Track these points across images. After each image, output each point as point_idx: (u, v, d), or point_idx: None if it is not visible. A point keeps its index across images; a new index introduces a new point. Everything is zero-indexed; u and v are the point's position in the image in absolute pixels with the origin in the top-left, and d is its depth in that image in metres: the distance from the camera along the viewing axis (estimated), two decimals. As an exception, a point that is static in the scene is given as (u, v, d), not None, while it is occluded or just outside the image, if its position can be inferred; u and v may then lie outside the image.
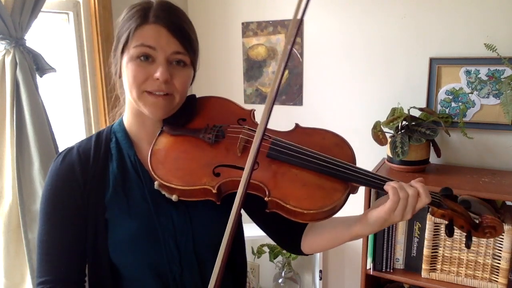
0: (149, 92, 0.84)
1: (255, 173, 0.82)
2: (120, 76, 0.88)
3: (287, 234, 0.99)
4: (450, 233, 0.83)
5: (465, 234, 0.84)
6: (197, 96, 0.99)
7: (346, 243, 0.94)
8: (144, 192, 0.88)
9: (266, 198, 0.80)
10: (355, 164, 0.86)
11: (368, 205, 1.63)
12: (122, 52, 0.84)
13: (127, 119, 0.94)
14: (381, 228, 0.84)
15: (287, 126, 2.29)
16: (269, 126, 0.84)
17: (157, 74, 0.81)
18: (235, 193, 0.74)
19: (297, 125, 0.96)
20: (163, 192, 0.84)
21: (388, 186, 0.80)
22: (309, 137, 0.92)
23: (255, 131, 0.86)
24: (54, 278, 0.84)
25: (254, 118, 0.95)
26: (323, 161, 0.83)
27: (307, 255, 1.02)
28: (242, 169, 0.79)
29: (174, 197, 0.82)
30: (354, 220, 0.88)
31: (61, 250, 0.85)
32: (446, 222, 0.83)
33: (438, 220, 1.54)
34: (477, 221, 0.84)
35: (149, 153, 0.86)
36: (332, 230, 0.93)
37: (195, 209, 0.90)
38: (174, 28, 0.82)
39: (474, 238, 1.49)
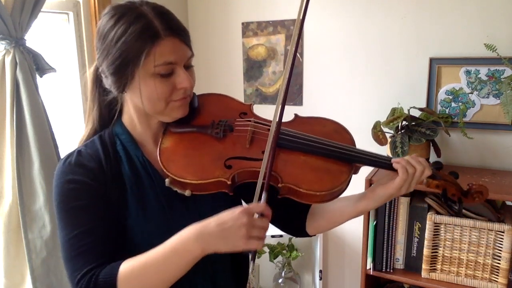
0: (175, 100, 0.85)
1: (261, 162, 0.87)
2: (124, 91, 0.86)
3: (292, 219, 1.04)
4: (445, 200, 0.95)
5: (456, 201, 0.96)
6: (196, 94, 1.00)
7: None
8: (157, 192, 0.89)
9: (279, 185, 0.85)
10: (355, 146, 0.94)
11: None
12: (134, 70, 0.81)
13: (130, 121, 0.92)
14: (385, 202, 0.94)
15: (287, 126, 2.25)
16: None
17: (184, 84, 0.83)
18: (246, 184, 0.87)
19: (296, 115, 1.01)
20: (175, 189, 0.85)
21: (397, 164, 0.89)
22: (310, 126, 0.98)
23: (261, 123, 0.94)
24: (95, 264, 0.80)
25: (253, 111, 0.99)
26: (329, 145, 0.90)
27: (311, 236, 1.07)
28: (252, 159, 0.87)
29: (187, 192, 0.84)
30: (358, 197, 0.96)
31: (96, 237, 0.82)
32: (439, 192, 0.95)
33: (438, 220, 1.54)
34: (466, 189, 0.96)
35: (158, 152, 0.87)
36: (336, 209, 0.99)
37: (205, 206, 0.91)
38: (182, 34, 0.83)
39: (474, 237, 1.50)
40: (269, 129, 0.89)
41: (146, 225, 0.86)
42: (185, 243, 0.76)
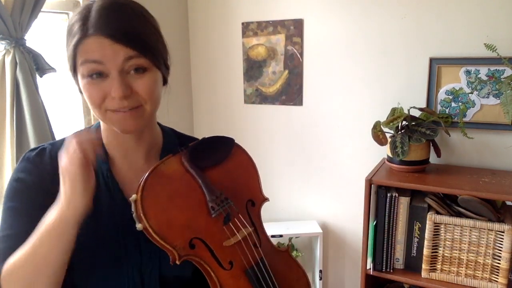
0: (112, 110, 0.75)
1: (224, 272, 0.80)
2: (80, 91, 0.79)
3: None
4: None
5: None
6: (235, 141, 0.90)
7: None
8: (114, 213, 0.80)
9: None
10: None
11: (368, 205, 1.63)
12: (75, 70, 0.76)
13: (102, 127, 0.85)
14: None
15: (287, 126, 2.28)
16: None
17: (113, 93, 0.72)
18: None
19: (288, 248, 0.96)
20: (132, 210, 0.74)
21: None
22: (288, 270, 0.92)
23: (256, 239, 0.85)
24: None
25: (261, 208, 0.91)
26: None
27: None
28: (217, 261, 0.79)
29: (138, 226, 0.73)
30: None
31: (19, 244, 0.76)
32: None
33: (438, 220, 1.54)
34: None
35: (153, 168, 0.76)
36: None
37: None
38: (117, 34, 0.71)
39: (474, 237, 1.50)
40: (257, 248, 0.83)
41: (93, 247, 0.78)
42: (51, 214, 0.70)
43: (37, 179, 0.78)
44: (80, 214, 0.70)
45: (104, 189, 0.82)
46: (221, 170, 0.84)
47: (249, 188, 0.89)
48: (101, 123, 0.86)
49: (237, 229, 0.82)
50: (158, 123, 0.93)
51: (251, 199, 0.89)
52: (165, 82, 0.84)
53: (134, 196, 0.73)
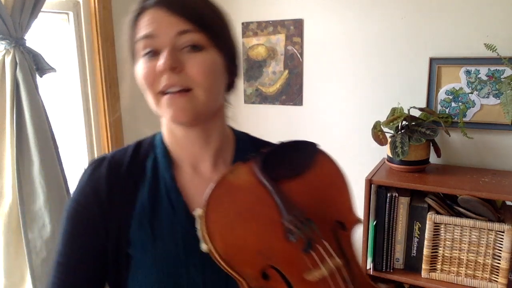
0: (163, 92, 0.67)
1: None
2: None
3: None
4: None
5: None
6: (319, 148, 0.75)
7: None
8: (175, 229, 0.70)
9: None
10: None
11: (368, 205, 1.63)
12: (133, 55, 0.71)
13: (164, 131, 0.78)
14: None
15: (287, 126, 2.28)
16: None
17: (160, 65, 0.64)
18: None
19: (392, 286, 0.76)
20: (197, 226, 0.63)
21: None
22: None
23: (347, 277, 0.65)
24: None
25: (353, 232, 0.72)
26: None
27: None
28: None
29: (203, 247, 0.61)
30: None
31: (76, 278, 0.72)
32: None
33: (438, 220, 1.54)
34: None
35: (220, 179, 0.65)
36: None
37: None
38: (174, 5, 0.66)
39: (474, 237, 1.50)
40: (348, 286, 0.65)
41: (151, 268, 0.70)
42: None
43: (91, 200, 0.73)
44: None
45: (165, 200, 0.72)
46: (301, 183, 0.69)
47: (337, 207, 0.72)
48: (162, 127, 0.78)
49: (322, 260, 0.65)
50: (232, 128, 0.84)
51: (340, 221, 0.71)
52: (231, 84, 0.75)
53: (199, 210, 0.63)
